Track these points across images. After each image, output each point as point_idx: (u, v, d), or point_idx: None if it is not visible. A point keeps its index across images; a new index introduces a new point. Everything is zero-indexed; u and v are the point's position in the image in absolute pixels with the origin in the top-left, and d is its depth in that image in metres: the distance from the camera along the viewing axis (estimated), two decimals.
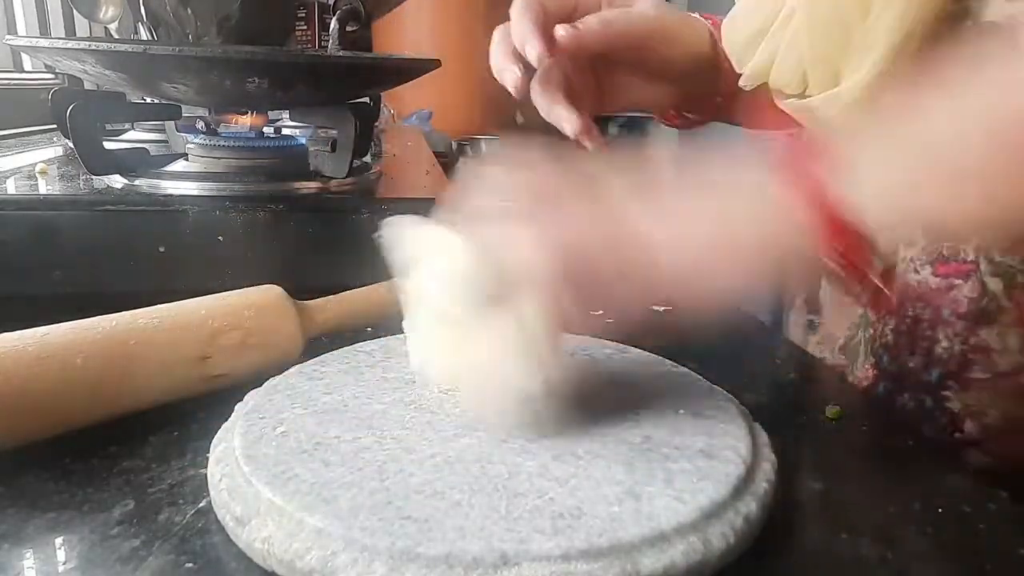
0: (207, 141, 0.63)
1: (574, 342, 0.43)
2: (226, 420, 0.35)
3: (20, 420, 0.33)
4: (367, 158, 0.72)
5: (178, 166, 0.63)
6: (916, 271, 0.44)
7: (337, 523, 0.26)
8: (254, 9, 0.75)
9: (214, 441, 0.33)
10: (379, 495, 0.28)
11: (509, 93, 0.47)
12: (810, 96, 0.41)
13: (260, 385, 0.37)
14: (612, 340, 0.43)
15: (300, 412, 0.34)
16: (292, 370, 0.38)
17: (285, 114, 0.85)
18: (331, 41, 0.80)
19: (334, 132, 0.64)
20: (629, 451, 0.31)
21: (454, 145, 1.58)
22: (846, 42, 0.38)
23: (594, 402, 0.35)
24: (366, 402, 0.35)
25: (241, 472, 0.30)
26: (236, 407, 0.35)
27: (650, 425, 0.33)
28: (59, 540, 0.28)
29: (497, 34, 0.47)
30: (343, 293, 0.47)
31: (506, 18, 0.49)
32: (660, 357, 0.41)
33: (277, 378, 0.38)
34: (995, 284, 0.42)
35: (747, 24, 0.44)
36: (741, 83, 0.45)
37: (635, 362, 0.41)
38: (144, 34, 0.78)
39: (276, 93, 0.59)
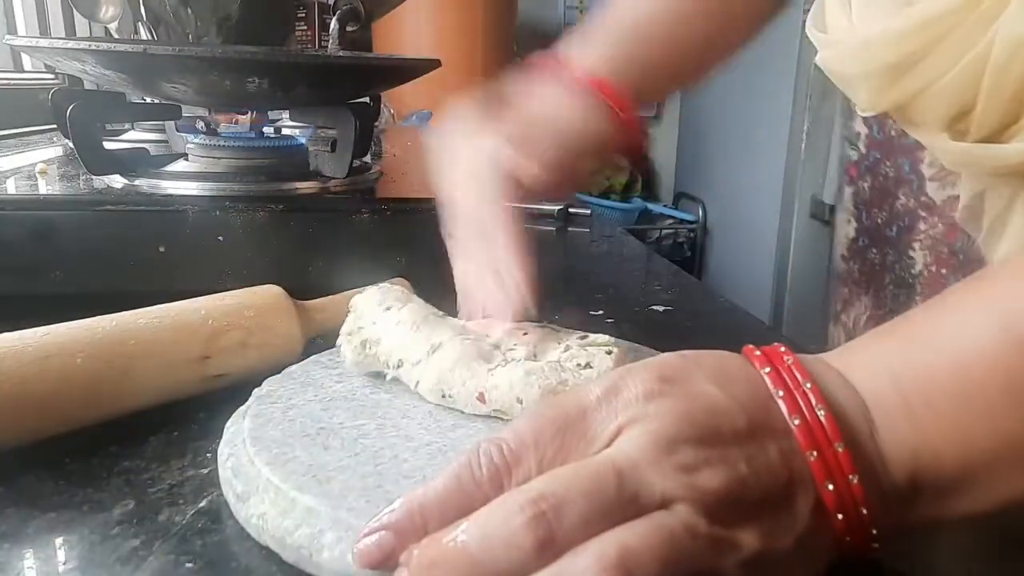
0: (207, 141, 0.63)
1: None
2: (227, 417, 0.35)
3: (20, 420, 0.33)
4: (367, 158, 0.72)
5: (178, 166, 0.63)
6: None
7: (327, 503, 0.27)
8: (254, 9, 0.76)
9: (228, 423, 0.34)
10: (371, 479, 0.29)
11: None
12: (960, 140, 0.36)
13: (260, 384, 0.37)
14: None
15: (310, 398, 0.35)
16: (309, 359, 0.40)
17: (285, 114, 0.85)
18: (331, 41, 0.80)
19: (334, 132, 0.64)
20: None
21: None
22: None
23: None
24: (374, 391, 0.36)
25: (246, 452, 0.31)
26: (253, 392, 0.36)
27: None
28: (59, 540, 0.28)
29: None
30: (343, 293, 0.47)
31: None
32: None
33: (294, 366, 0.39)
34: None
35: (885, 55, 0.37)
36: (866, 110, 0.40)
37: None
38: (144, 34, 0.78)
39: (276, 93, 0.59)
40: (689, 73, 0.53)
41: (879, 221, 0.49)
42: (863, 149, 0.50)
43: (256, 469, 0.29)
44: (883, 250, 0.49)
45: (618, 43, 0.49)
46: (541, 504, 0.22)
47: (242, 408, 0.35)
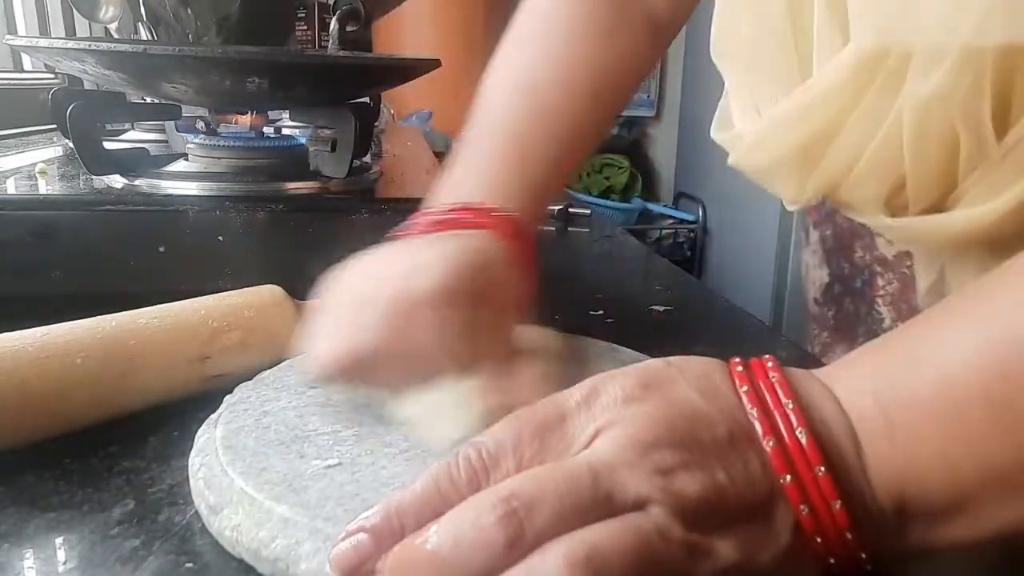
0: (207, 141, 0.63)
1: (565, 341, 0.43)
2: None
3: (20, 420, 0.33)
4: (367, 158, 0.72)
5: (178, 166, 0.63)
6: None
7: (303, 513, 0.27)
8: (254, 9, 0.76)
9: (199, 432, 0.33)
10: (348, 487, 0.28)
11: None
12: (901, 216, 0.34)
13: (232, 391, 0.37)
14: (604, 340, 0.43)
15: (283, 405, 0.34)
16: (283, 364, 0.39)
17: (285, 114, 0.85)
18: (331, 41, 0.80)
19: (334, 132, 0.64)
20: None
21: (454, 145, 1.58)
22: (976, 157, 0.31)
23: None
24: (350, 396, 0.35)
25: (218, 462, 0.30)
26: (224, 399, 0.35)
27: None
28: (59, 540, 0.28)
29: None
30: None
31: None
32: (653, 358, 0.41)
33: (267, 371, 0.38)
34: None
35: (788, 140, 0.35)
36: (795, 203, 0.39)
37: (622, 362, 0.41)
38: (144, 34, 0.78)
39: (276, 93, 0.59)
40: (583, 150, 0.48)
41: (845, 271, 0.48)
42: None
43: (229, 479, 0.29)
44: (855, 300, 0.48)
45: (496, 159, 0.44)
46: (512, 502, 0.22)
47: (213, 416, 0.34)
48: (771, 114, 0.36)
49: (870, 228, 0.44)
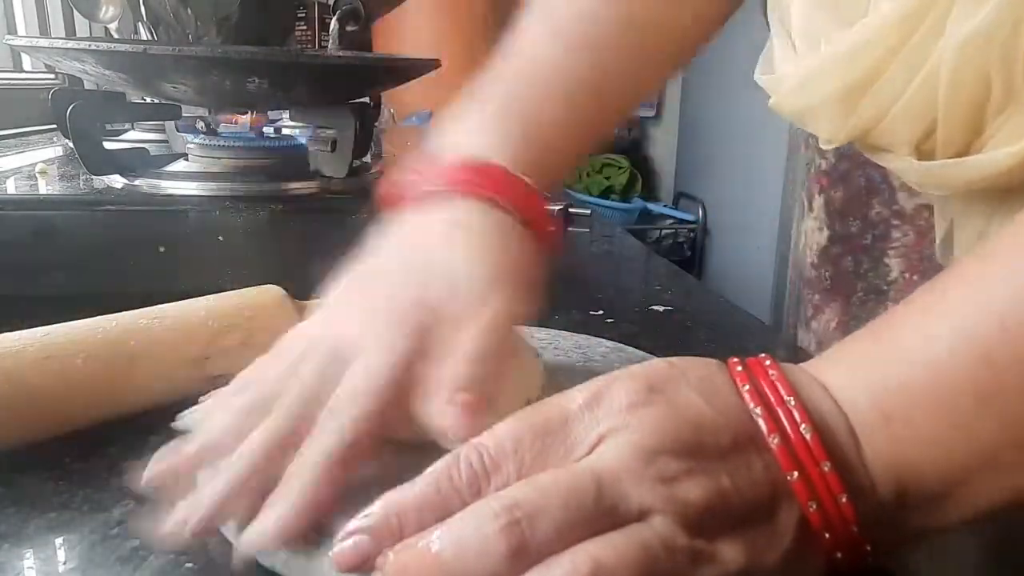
0: (207, 141, 0.63)
1: (571, 339, 0.43)
2: None
3: (20, 420, 0.33)
4: (367, 158, 0.72)
5: (178, 166, 0.63)
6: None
7: None
8: (254, 9, 0.76)
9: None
10: (350, 480, 0.28)
11: None
12: (932, 159, 0.35)
13: None
14: (610, 339, 0.43)
15: None
16: None
17: (285, 114, 0.85)
18: (331, 41, 0.80)
19: (334, 132, 0.64)
20: None
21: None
22: (1004, 101, 0.31)
23: None
24: None
25: None
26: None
27: None
28: (59, 540, 0.28)
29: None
30: None
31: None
32: (657, 357, 0.41)
33: None
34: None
35: (834, 81, 0.35)
36: (829, 143, 0.38)
37: (630, 361, 0.41)
38: (144, 34, 0.78)
39: (276, 93, 0.59)
40: (613, 115, 0.46)
41: (853, 229, 0.49)
42: (832, 160, 0.51)
43: None
44: (858, 258, 0.49)
45: (505, 117, 0.40)
46: (515, 512, 0.21)
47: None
48: (819, 56, 0.36)
49: (890, 182, 0.45)
